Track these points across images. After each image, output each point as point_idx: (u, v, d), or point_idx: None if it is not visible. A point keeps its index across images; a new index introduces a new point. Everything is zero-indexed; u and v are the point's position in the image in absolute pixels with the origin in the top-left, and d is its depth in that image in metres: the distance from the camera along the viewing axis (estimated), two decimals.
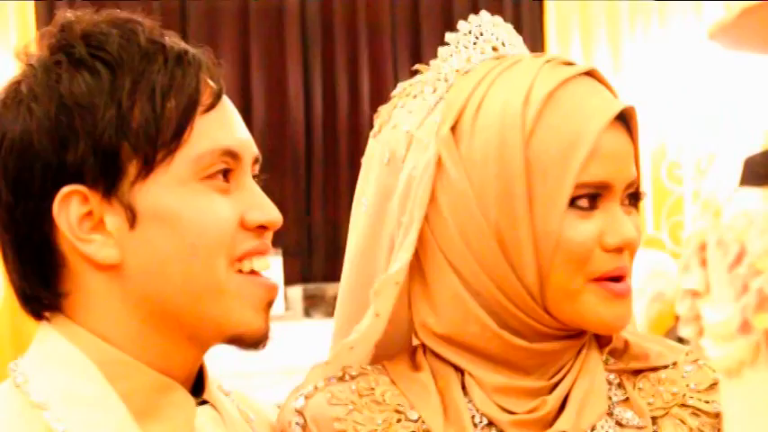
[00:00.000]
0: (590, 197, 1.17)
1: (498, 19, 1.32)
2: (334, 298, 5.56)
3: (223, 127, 1.08)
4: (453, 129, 1.21)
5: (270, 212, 1.09)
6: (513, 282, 1.18)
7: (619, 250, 1.18)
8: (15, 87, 1.07)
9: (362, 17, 5.68)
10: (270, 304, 1.10)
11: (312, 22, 5.61)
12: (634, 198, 1.22)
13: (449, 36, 1.30)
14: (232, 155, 1.07)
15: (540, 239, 1.16)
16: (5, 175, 1.05)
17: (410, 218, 1.22)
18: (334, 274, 5.65)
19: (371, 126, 5.67)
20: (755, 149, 1.24)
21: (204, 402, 1.11)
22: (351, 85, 5.65)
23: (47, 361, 1.06)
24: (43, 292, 1.08)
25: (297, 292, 5.17)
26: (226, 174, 1.07)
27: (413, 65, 4.93)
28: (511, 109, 1.17)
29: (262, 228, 1.08)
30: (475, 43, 1.29)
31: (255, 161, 1.12)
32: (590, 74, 1.22)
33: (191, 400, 1.09)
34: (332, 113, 5.58)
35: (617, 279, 1.19)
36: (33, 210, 1.04)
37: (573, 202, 1.16)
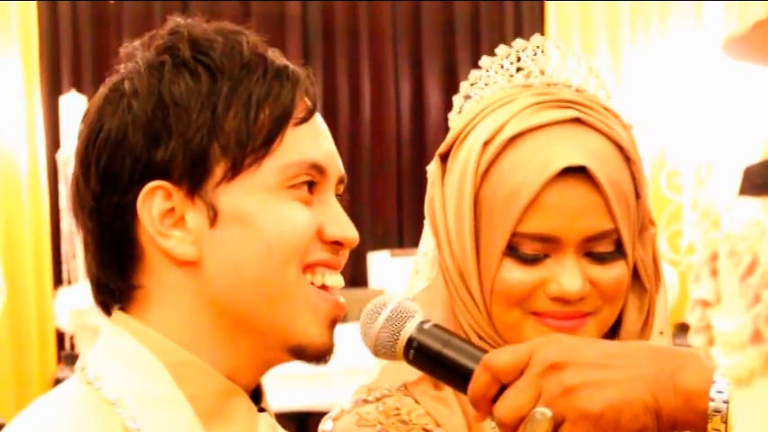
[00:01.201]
0: (536, 246, 1.18)
1: (553, 43, 1.30)
2: None
3: (313, 141, 1.11)
4: (445, 156, 1.26)
5: (348, 230, 1.11)
6: (473, 307, 1.21)
7: (562, 300, 1.18)
8: (119, 84, 1.10)
9: (364, 23, 5.69)
10: (335, 322, 1.11)
11: (313, 29, 5.62)
12: (602, 253, 1.19)
13: (483, 60, 1.29)
14: (318, 169, 1.10)
15: (482, 275, 1.20)
16: (97, 165, 1.08)
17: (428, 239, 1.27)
18: None
19: (372, 132, 5.73)
20: (754, 159, 1.24)
21: (262, 410, 1.13)
22: (351, 91, 5.66)
23: (117, 359, 1.08)
24: (118, 282, 1.10)
25: None
26: (310, 187, 1.09)
27: (413, 71, 4.96)
28: (475, 147, 1.20)
29: (337, 244, 1.10)
30: (504, 67, 1.28)
31: (341, 181, 1.14)
32: (579, 120, 1.20)
33: (253, 407, 1.10)
34: (332, 119, 5.58)
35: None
36: (119, 201, 1.07)
37: (516, 250, 1.18)
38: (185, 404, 1.05)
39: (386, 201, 5.74)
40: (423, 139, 5.69)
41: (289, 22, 5.55)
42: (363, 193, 5.66)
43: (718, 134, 5.12)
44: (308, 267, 1.08)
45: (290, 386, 4.47)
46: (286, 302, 1.07)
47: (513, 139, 1.19)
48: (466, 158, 1.21)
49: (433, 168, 1.26)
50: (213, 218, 1.06)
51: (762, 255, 1.08)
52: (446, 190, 1.24)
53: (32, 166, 5.03)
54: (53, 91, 5.30)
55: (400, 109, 5.71)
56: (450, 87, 5.69)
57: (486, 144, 1.20)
